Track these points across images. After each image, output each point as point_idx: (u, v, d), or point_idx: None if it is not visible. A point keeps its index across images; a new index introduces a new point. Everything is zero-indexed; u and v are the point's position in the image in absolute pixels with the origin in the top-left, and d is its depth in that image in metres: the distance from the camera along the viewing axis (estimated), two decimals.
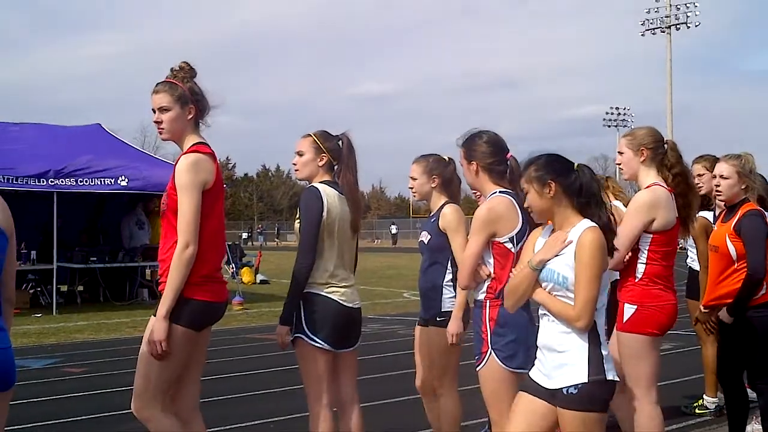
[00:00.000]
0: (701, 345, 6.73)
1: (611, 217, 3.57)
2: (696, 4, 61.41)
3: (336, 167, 4.67)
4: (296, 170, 4.72)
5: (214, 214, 4.00)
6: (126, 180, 15.01)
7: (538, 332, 3.59)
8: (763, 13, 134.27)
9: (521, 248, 3.95)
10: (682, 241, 5.64)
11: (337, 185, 4.61)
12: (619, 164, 4.79)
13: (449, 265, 4.99)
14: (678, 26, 62.47)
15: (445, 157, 5.20)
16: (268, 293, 19.21)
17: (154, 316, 3.89)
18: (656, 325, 4.47)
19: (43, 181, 14.51)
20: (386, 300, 17.87)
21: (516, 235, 4.12)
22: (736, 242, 5.14)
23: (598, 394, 3.40)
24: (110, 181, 15.04)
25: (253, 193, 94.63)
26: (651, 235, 4.47)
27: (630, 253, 4.51)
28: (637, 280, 4.51)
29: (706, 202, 6.04)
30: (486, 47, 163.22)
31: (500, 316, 4.07)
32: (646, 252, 4.49)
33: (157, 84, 4.11)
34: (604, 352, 3.43)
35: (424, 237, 5.13)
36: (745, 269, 5.04)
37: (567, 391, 3.39)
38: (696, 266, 6.60)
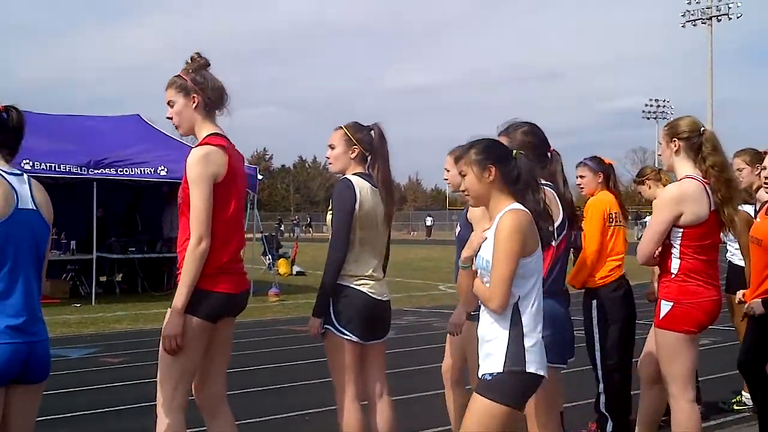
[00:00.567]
0: (741, 341, 6.63)
1: (545, 203, 3.49)
2: None
3: (369, 158, 4.66)
4: (330, 163, 4.71)
5: (229, 205, 3.96)
6: (165, 170, 15.06)
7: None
8: None
9: (562, 241, 3.89)
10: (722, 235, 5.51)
11: (371, 177, 4.59)
12: (660, 155, 4.70)
13: None
14: (719, 17, 61.63)
15: None
16: (304, 285, 19.27)
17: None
18: (693, 323, 4.37)
19: (84, 170, 14.63)
20: (422, 292, 17.83)
21: (557, 227, 4.04)
22: None
23: (510, 386, 3.31)
24: (150, 171, 15.15)
25: (290, 184, 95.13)
26: (681, 230, 4.34)
27: (661, 248, 4.43)
28: (672, 276, 4.40)
29: (747, 197, 5.93)
30: (527, 40, 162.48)
31: None
32: (678, 247, 4.37)
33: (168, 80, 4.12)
34: (527, 344, 3.33)
35: (457, 229, 5.10)
36: None
37: (483, 377, 3.37)
38: (735, 260, 6.49)
